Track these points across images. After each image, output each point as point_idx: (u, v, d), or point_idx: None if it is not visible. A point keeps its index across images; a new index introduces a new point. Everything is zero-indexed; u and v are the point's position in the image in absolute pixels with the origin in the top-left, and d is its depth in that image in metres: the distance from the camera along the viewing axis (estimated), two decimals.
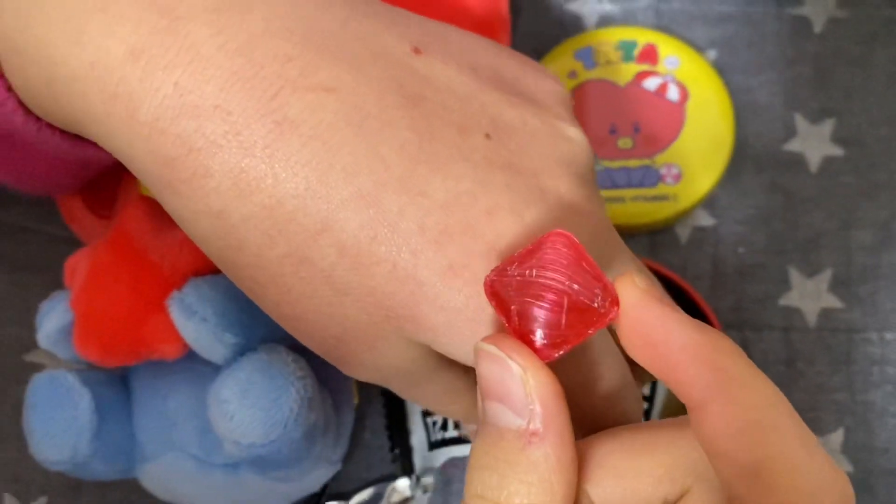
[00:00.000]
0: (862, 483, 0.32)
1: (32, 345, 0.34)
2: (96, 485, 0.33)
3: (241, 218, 0.19)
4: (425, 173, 0.19)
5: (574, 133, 0.22)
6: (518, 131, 0.21)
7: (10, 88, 0.22)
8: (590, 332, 0.17)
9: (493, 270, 0.18)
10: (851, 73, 0.36)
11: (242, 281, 0.21)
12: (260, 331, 0.26)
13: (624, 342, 0.18)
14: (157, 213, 0.26)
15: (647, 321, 0.17)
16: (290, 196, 0.19)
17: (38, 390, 0.27)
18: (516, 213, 0.20)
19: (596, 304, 0.17)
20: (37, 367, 0.35)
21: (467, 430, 0.30)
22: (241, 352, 0.25)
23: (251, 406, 0.24)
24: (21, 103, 0.22)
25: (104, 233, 0.29)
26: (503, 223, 0.20)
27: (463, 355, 0.20)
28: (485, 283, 0.18)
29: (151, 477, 0.29)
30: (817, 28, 0.37)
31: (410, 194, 0.19)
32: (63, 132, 0.23)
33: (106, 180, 0.32)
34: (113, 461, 0.28)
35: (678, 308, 0.18)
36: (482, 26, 0.33)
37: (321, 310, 0.20)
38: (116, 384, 0.28)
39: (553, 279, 0.17)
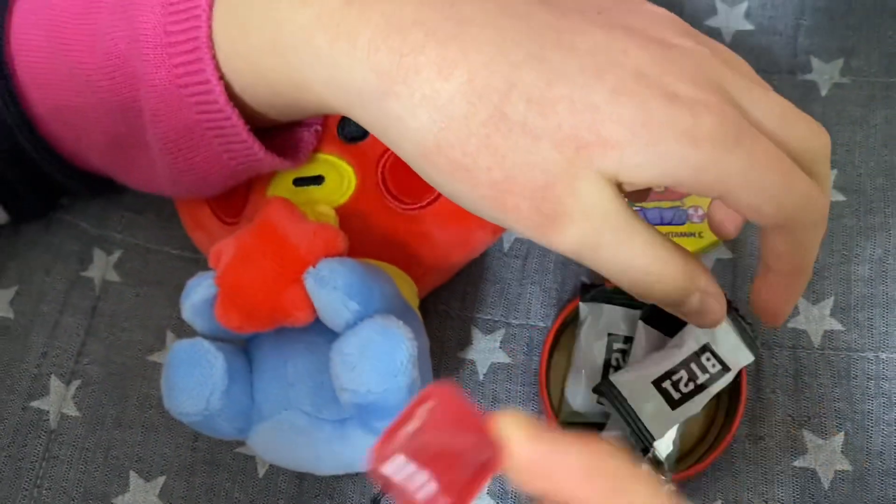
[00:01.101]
0: (859, 481, 0.37)
1: (156, 347, 0.41)
2: (207, 466, 0.39)
3: (448, 98, 0.25)
4: (569, 36, 0.26)
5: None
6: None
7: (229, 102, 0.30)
8: (482, 484, 0.19)
9: (378, 443, 0.19)
10: (853, 131, 0.42)
11: (455, 163, 0.26)
12: (375, 303, 0.31)
13: (519, 479, 0.20)
14: (294, 210, 0.32)
15: (536, 457, 0.19)
16: (481, 68, 0.25)
17: (179, 353, 0.32)
18: (644, 45, 0.26)
19: (483, 458, 0.18)
20: (159, 367, 0.41)
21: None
22: (360, 318, 0.30)
23: (370, 358, 0.29)
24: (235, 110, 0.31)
25: (238, 230, 0.35)
26: (636, 53, 0.26)
27: (648, 166, 0.25)
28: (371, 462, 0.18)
29: (264, 436, 0.33)
30: (824, 91, 0.43)
31: (563, 49, 0.26)
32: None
33: (230, 193, 0.38)
34: (234, 419, 0.33)
35: (557, 435, 0.20)
36: None
37: (525, 160, 0.25)
38: (241, 354, 0.33)
39: (435, 444, 0.18)
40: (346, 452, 0.33)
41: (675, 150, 0.25)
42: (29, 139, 0.35)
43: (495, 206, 0.27)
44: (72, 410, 0.40)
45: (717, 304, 0.29)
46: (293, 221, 0.32)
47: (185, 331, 0.41)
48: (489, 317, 0.41)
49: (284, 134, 0.36)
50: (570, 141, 0.25)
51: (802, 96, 0.43)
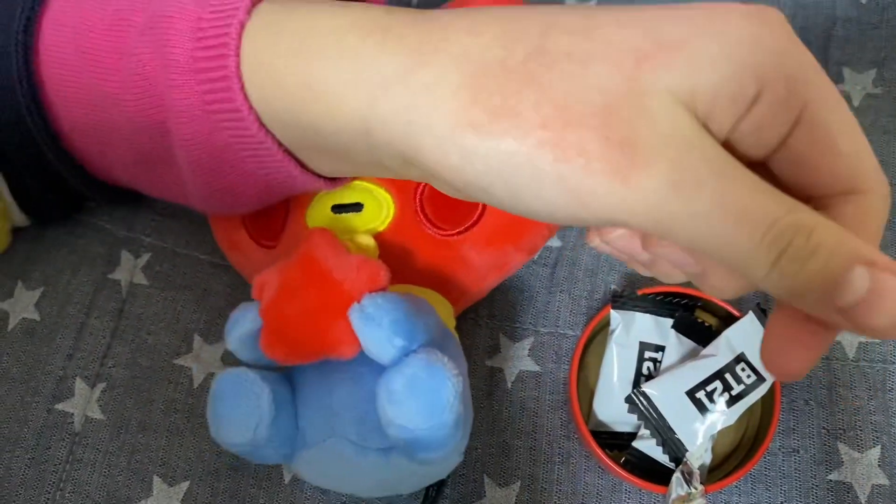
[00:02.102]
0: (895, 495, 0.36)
1: (182, 350, 0.41)
2: (232, 471, 0.38)
3: (482, 48, 0.23)
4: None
5: None
6: None
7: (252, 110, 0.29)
8: None
9: None
10: (886, 141, 0.42)
11: (496, 111, 0.22)
12: (420, 337, 0.31)
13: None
14: (336, 243, 0.32)
15: None
16: (513, 21, 0.23)
17: (225, 384, 0.32)
18: None
19: None
20: (185, 370, 0.40)
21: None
22: (405, 353, 0.30)
23: (417, 396, 0.29)
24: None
25: (274, 260, 0.35)
26: None
27: (721, 61, 0.21)
28: None
29: (309, 461, 0.33)
30: (856, 102, 0.43)
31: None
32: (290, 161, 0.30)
33: (267, 216, 0.38)
34: (280, 447, 0.33)
35: None
36: None
37: (577, 84, 0.21)
38: (285, 383, 0.34)
39: None
40: (391, 478, 0.33)
41: (747, 34, 0.21)
42: (54, 152, 0.35)
43: (556, 154, 0.21)
44: (96, 413, 0.40)
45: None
46: (336, 255, 0.32)
47: (212, 335, 0.41)
48: (518, 325, 0.41)
49: None
50: (627, 55, 0.21)
51: None
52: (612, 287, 0.41)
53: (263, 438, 0.32)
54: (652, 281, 0.41)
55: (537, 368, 0.40)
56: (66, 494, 0.38)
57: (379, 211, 0.37)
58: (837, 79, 0.44)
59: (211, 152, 0.31)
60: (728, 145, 0.23)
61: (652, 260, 0.27)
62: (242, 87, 0.29)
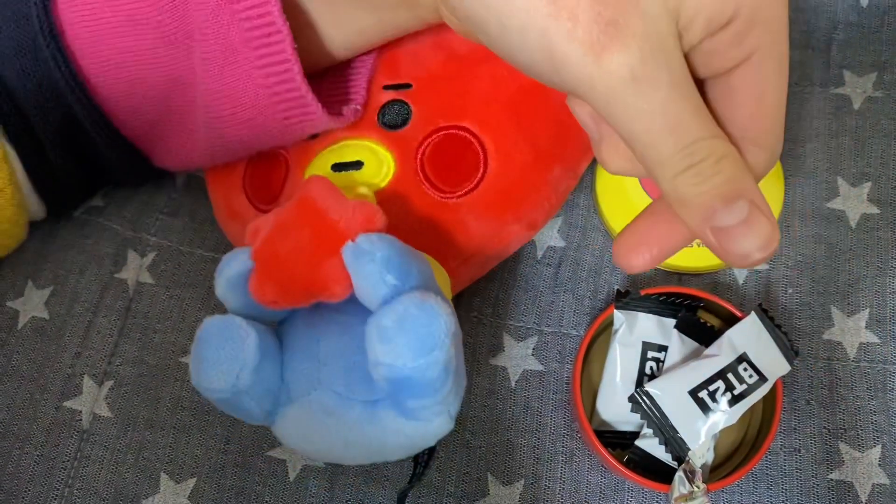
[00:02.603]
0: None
1: (188, 348, 0.41)
2: (238, 469, 0.39)
3: None
4: None
5: None
6: None
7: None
8: None
9: None
10: (886, 144, 0.42)
11: None
12: (413, 280, 0.30)
13: None
14: (333, 187, 0.32)
15: None
16: None
17: (211, 328, 0.31)
18: None
19: None
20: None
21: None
22: (397, 293, 0.29)
23: (407, 331, 0.28)
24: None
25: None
26: None
27: None
28: None
29: (291, 419, 0.32)
30: (856, 105, 0.43)
31: None
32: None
33: (267, 179, 0.38)
34: (262, 399, 0.31)
35: None
36: None
37: None
38: (272, 334, 0.33)
39: None
40: (376, 436, 0.32)
41: None
42: (82, 101, 0.35)
43: (550, 10, 0.23)
44: (104, 411, 0.40)
45: (769, 227, 0.24)
46: (334, 197, 0.31)
47: None
48: (521, 324, 0.41)
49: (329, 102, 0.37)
50: None
51: (836, 109, 0.43)
52: (616, 287, 0.42)
53: (245, 386, 0.30)
54: (655, 282, 0.42)
55: (541, 368, 0.40)
56: (75, 491, 0.38)
57: (379, 168, 0.37)
58: (838, 81, 0.44)
59: (224, 49, 0.32)
60: (685, 58, 0.25)
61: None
62: None
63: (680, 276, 0.42)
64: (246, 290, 0.31)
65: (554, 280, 0.42)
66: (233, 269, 0.32)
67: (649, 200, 0.42)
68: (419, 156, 0.37)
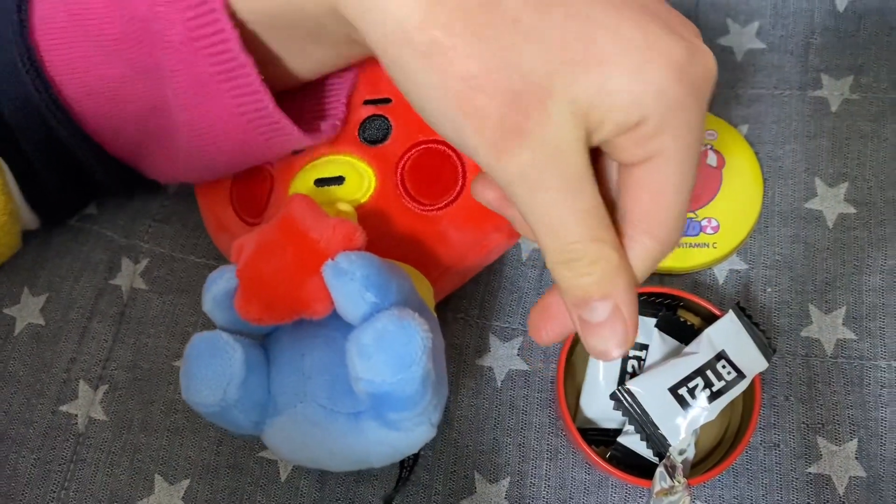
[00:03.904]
0: (873, 486, 0.38)
1: (181, 353, 0.43)
2: (231, 470, 0.40)
3: None
4: None
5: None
6: None
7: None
8: None
9: None
10: (863, 145, 0.44)
11: (436, 44, 0.25)
12: (392, 296, 0.32)
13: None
14: (314, 205, 0.34)
15: None
16: None
17: (199, 344, 0.33)
18: None
19: None
20: None
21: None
22: (377, 310, 0.31)
23: (386, 349, 0.30)
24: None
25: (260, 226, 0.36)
26: None
27: (624, 93, 0.24)
28: None
29: (280, 429, 0.34)
30: (834, 107, 0.45)
31: None
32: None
33: (252, 194, 0.40)
34: (250, 411, 0.33)
35: None
36: None
37: (507, 58, 0.24)
38: (258, 348, 0.35)
39: None
40: (360, 446, 0.33)
41: (658, 80, 0.25)
42: (63, 124, 0.37)
43: (460, 106, 0.25)
44: (99, 414, 0.41)
45: (624, 332, 0.28)
46: (314, 216, 0.33)
47: None
48: (507, 325, 0.43)
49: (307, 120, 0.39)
50: (559, 51, 0.25)
51: (814, 111, 0.45)
52: None
53: (233, 399, 0.32)
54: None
55: (526, 368, 0.42)
56: (71, 493, 0.40)
57: (360, 183, 0.39)
58: (816, 85, 0.46)
59: (195, 84, 0.33)
60: (594, 148, 0.27)
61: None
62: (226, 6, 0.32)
63: (661, 276, 0.43)
64: (232, 306, 0.33)
65: (539, 282, 0.43)
66: (219, 287, 0.33)
67: None
68: (399, 170, 0.39)
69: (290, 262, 0.32)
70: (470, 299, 0.43)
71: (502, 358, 0.42)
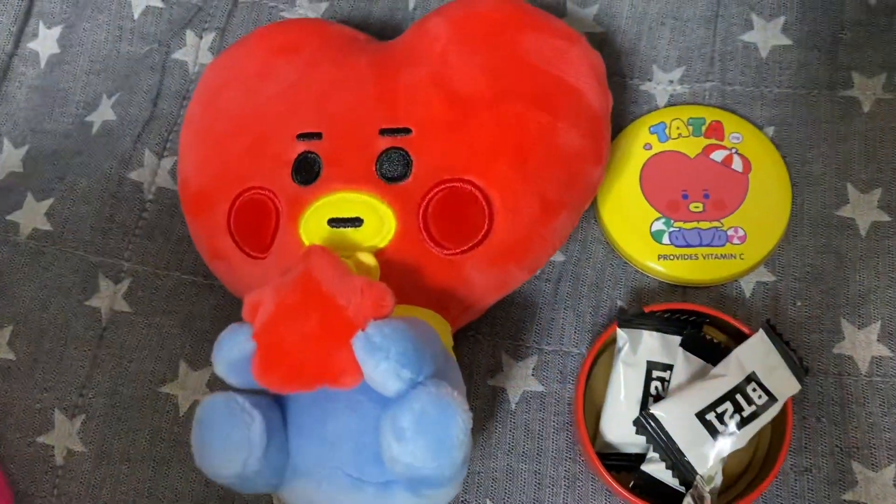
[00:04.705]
0: None
1: (167, 378, 0.40)
2: (221, 501, 0.38)
3: None
4: None
5: None
6: None
7: None
8: None
9: None
10: None
11: None
12: (427, 368, 0.30)
13: None
14: (337, 263, 0.32)
15: None
16: None
17: (213, 411, 0.31)
18: None
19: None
20: (170, 398, 0.40)
21: None
22: (412, 385, 0.30)
23: (426, 433, 0.29)
24: None
25: (264, 274, 0.34)
26: None
27: None
28: None
29: (300, 493, 0.33)
30: (866, 108, 0.43)
31: None
32: None
33: (255, 224, 0.37)
34: (269, 478, 0.32)
35: None
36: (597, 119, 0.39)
37: None
38: (276, 409, 0.33)
39: None
40: None
41: None
42: None
43: None
44: (77, 446, 0.39)
45: None
46: (338, 276, 0.31)
47: (199, 361, 0.40)
48: (520, 342, 0.40)
49: None
50: None
51: (844, 113, 0.43)
52: (619, 302, 0.41)
53: (253, 470, 0.31)
54: (659, 296, 0.41)
55: (541, 388, 0.40)
56: None
57: (380, 227, 0.36)
58: (846, 84, 0.43)
59: None
60: None
61: None
62: None
63: (685, 289, 0.41)
64: (247, 369, 0.31)
65: (553, 296, 0.41)
66: (234, 353, 0.31)
67: (650, 208, 0.41)
68: (421, 211, 0.36)
69: (315, 330, 0.30)
70: (481, 316, 0.41)
71: (516, 378, 0.40)
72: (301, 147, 0.37)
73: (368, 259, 0.35)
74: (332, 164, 0.36)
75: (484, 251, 0.36)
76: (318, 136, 0.37)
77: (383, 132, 0.37)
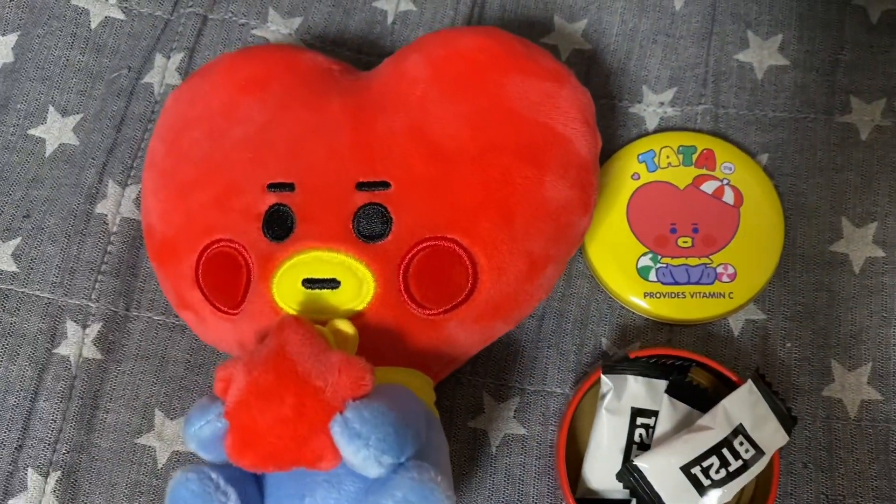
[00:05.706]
0: None
1: (143, 429, 0.39)
2: None
3: None
4: None
5: None
6: None
7: None
8: None
9: None
10: (894, 180, 0.40)
11: None
12: (409, 449, 0.30)
13: None
14: (312, 338, 0.31)
15: None
16: None
17: (184, 490, 0.30)
18: None
19: None
20: (148, 450, 0.39)
21: None
22: (393, 469, 0.29)
23: None
24: None
25: (234, 332, 0.34)
26: None
27: None
28: None
29: None
30: (864, 135, 0.41)
31: None
32: None
33: (225, 279, 0.36)
34: None
35: None
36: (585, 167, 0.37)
37: None
38: (251, 481, 0.32)
39: None
40: None
41: None
42: None
43: None
44: None
45: None
46: (314, 355, 0.30)
47: (174, 409, 0.39)
48: (502, 383, 0.40)
49: None
50: None
51: (841, 140, 0.41)
52: (603, 340, 0.40)
53: None
54: (646, 334, 0.40)
55: (523, 431, 0.39)
56: None
57: (358, 289, 0.34)
58: (844, 108, 0.42)
59: None
60: None
61: None
62: None
63: (672, 326, 0.40)
64: (220, 445, 0.30)
65: (537, 334, 0.40)
66: (205, 431, 0.31)
67: (637, 243, 0.40)
68: (402, 272, 0.34)
69: (290, 414, 0.29)
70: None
71: (497, 420, 0.39)
72: (272, 199, 0.35)
73: (346, 327, 0.33)
74: (305, 219, 0.35)
75: (467, 310, 0.35)
76: (291, 186, 0.35)
77: (360, 186, 0.35)
